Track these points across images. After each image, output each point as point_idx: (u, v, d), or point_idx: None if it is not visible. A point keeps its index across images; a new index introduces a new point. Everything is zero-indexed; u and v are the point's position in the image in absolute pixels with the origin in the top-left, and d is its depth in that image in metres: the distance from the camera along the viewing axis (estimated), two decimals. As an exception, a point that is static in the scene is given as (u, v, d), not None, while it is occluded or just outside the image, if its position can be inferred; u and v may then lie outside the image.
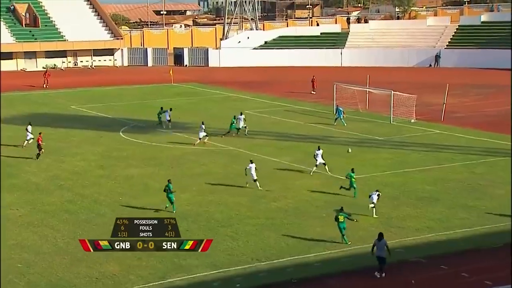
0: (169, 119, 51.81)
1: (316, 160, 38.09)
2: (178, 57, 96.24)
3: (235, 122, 48.09)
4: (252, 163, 35.79)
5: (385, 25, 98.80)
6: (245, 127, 48.24)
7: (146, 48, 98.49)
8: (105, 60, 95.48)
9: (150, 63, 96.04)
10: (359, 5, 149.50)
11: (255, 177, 35.29)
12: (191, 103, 64.15)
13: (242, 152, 43.80)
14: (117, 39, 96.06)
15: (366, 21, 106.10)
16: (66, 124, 53.18)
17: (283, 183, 36.56)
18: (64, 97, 68.61)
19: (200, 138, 45.61)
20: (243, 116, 48.74)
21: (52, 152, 43.08)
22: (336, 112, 52.59)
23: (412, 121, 53.02)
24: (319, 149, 38.43)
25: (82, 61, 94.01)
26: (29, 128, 45.29)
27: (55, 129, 51.31)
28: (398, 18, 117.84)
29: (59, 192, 35.64)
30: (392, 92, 53.84)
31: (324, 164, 38.13)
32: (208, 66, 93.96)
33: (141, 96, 68.92)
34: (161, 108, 52.74)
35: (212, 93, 70.09)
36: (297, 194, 34.75)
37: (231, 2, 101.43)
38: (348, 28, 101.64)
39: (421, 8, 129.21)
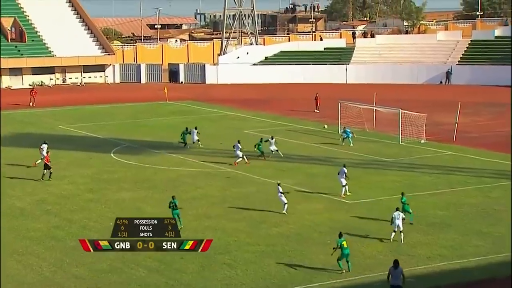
0: (197, 139, 51.58)
1: (340, 180, 38.42)
2: (173, 74, 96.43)
3: (261, 144, 47.62)
4: (278, 185, 35.95)
5: (393, 39, 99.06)
6: (271, 151, 47.77)
7: (140, 64, 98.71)
8: (95, 77, 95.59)
9: (143, 80, 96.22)
10: (365, 18, 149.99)
11: (285, 201, 35.31)
12: (187, 122, 64.03)
13: (240, 174, 43.69)
14: (109, 54, 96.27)
15: (372, 36, 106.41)
16: (53, 145, 52.91)
17: (285, 207, 36.40)
18: (51, 116, 68.61)
19: (241, 157, 45.92)
20: (274, 140, 48.29)
21: (38, 174, 42.93)
22: (343, 132, 52.61)
23: (422, 141, 52.98)
24: (344, 167, 39.04)
25: (71, 78, 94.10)
26: (44, 147, 45.43)
27: (42, 150, 51.22)
28: (406, 32, 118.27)
29: (46, 217, 35.47)
30: (401, 110, 53.82)
31: (344, 185, 38.29)
32: (205, 83, 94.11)
33: (134, 115, 68.95)
34: (186, 128, 52.35)
35: (209, 112, 70.14)
36: (299, 219, 34.61)
37: (230, 15, 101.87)
38: (354, 43, 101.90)
39: (431, 22, 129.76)
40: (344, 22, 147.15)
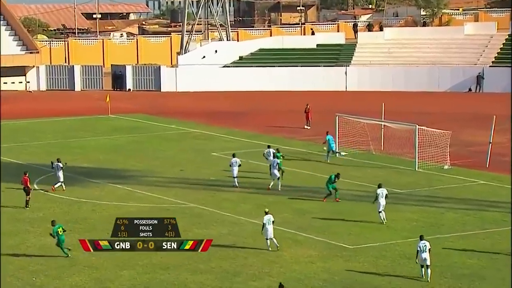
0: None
1: (379, 202, 40.10)
2: (117, 78, 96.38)
3: (334, 180, 46.17)
4: (267, 214, 36.65)
5: (406, 33, 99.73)
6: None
7: (73, 66, 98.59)
8: (13, 83, 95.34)
9: (78, 87, 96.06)
10: (370, 6, 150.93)
11: (270, 236, 36.31)
12: (135, 143, 63.98)
13: (206, 211, 43.58)
14: (31, 53, 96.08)
15: (380, 29, 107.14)
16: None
17: (266, 254, 36.37)
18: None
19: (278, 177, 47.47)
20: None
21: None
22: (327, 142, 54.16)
23: (446, 167, 53.20)
24: (380, 187, 40.57)
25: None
26: (59, 166, 47.57)
27: None
28: (424, 24, 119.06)
29: None
30: (417, 126, 54.06)
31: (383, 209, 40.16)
32: (160, 90, 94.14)
33: (65, 133, 68.68)
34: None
35: (165, 128, 70.05)
36: (285, 270, 34.54)
37: (192, 2, 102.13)
38: (355, 38, 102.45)
39: (456, 11, 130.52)
40: (342, 11, 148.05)
